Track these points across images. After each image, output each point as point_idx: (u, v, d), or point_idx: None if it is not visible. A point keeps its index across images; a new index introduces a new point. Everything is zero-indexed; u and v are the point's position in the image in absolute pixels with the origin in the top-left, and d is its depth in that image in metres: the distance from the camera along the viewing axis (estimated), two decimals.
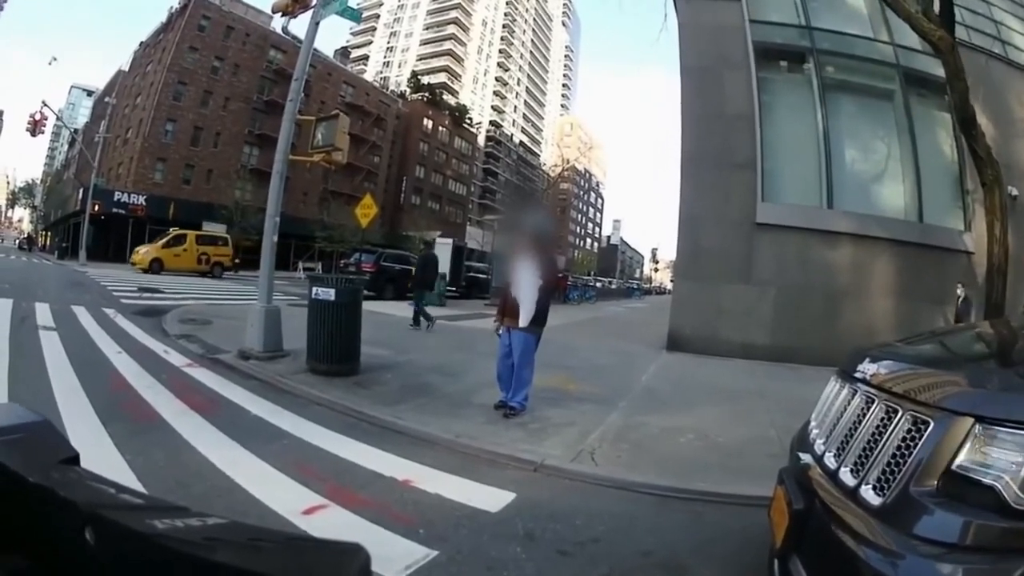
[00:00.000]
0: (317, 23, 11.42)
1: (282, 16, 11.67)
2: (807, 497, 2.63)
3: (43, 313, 13.54)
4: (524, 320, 7.30)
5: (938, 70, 14.15)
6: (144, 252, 36.62)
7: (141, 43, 67.14)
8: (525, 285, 7.31)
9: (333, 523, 4.25)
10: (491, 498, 4.88)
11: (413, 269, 26.66)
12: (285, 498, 4.59)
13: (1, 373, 7.77)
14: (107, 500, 0.78)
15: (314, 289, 9.19)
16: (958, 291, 14.39)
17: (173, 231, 39.10)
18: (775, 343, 15.07)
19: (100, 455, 5.07)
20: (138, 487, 4.36)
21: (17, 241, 78.33)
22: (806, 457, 2.97)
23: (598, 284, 65.43)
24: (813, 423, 3.28)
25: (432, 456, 5.89)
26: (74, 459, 0.90)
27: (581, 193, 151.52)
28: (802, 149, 16.46)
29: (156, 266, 34.88)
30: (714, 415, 8.27)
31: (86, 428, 5.83)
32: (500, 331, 7.74)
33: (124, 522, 0.65)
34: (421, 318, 16.06)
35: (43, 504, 0.66)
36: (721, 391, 10.38)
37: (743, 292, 15.62)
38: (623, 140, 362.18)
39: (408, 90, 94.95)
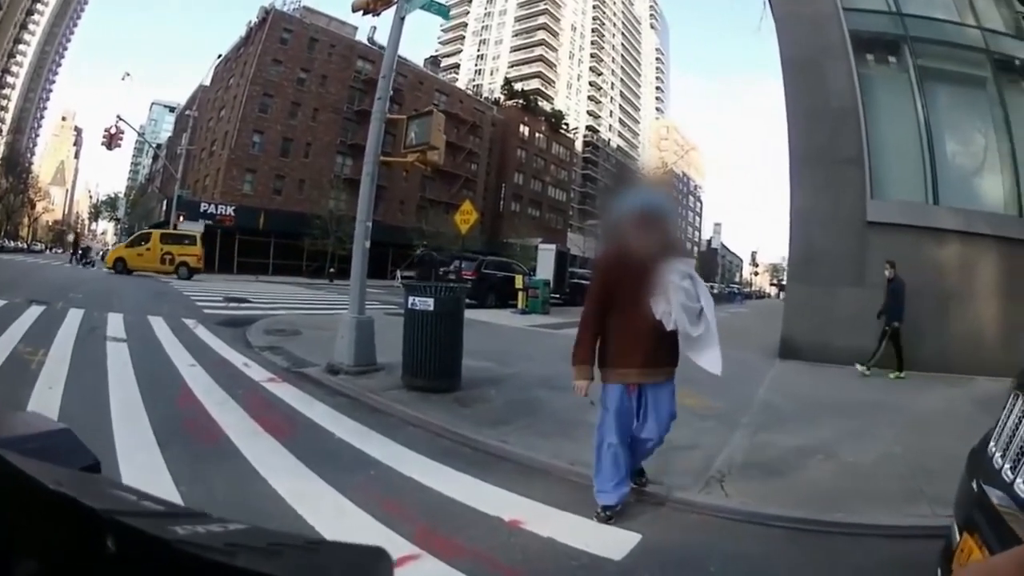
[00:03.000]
0: (402, 18, 11.03)
1: (363, 15, 11.23)
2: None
3: (115, 324, 13.39)
4: (717, 363, 4.74)
5: None
6: (111, 251, 38.08)
7: (219, 55, 68.50)
8: (705, 309, 4.68)
9: None
10: (613, 541, 4.27)
11: (516, 276, 26.55)
12: None
13: (56, 387, 7.50)
14: (128, 507, 0.74)
15: (411, 298, 8.72)
16: (886, 271, 13.31)
17: (154, 230, 40.37)
18: (887, 350, 13.95)
19: (151, 483, 4.56)
20: None
21: (101, 253, 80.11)
22: (998, 495, 2.52)
23: None
24: (997, 451, 2.83)
25: (543, 488, 5.29)
26: (95, 466, 0.91)
27: (680, 197, 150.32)
28: (905, 142, 15.71)
29: (120, 266, 35.03)
30: (837, 431, 7.61)
31: (140, 450, 5.46)
32: (625, 393, 4.82)
33: (145, 529, 0.62)
34: None
35: (63, 512, 0.64)
36: (840, 404, 9.72)
37: (856, 296, 14.76)
38: (719, 141, 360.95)
39: (502, 96, 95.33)
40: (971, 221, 14.67)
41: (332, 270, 46.69)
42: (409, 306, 8.69)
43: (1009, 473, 2.59)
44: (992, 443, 2.95)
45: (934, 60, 16.18)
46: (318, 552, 0.75)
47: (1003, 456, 2.74)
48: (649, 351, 4.68)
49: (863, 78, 15.77)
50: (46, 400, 6.87)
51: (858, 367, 13.25)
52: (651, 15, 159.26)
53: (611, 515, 4.69)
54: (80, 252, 47.49)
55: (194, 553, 0.60)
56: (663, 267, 4.61)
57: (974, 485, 2.80)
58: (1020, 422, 2.72)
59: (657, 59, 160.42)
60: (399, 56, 11.28)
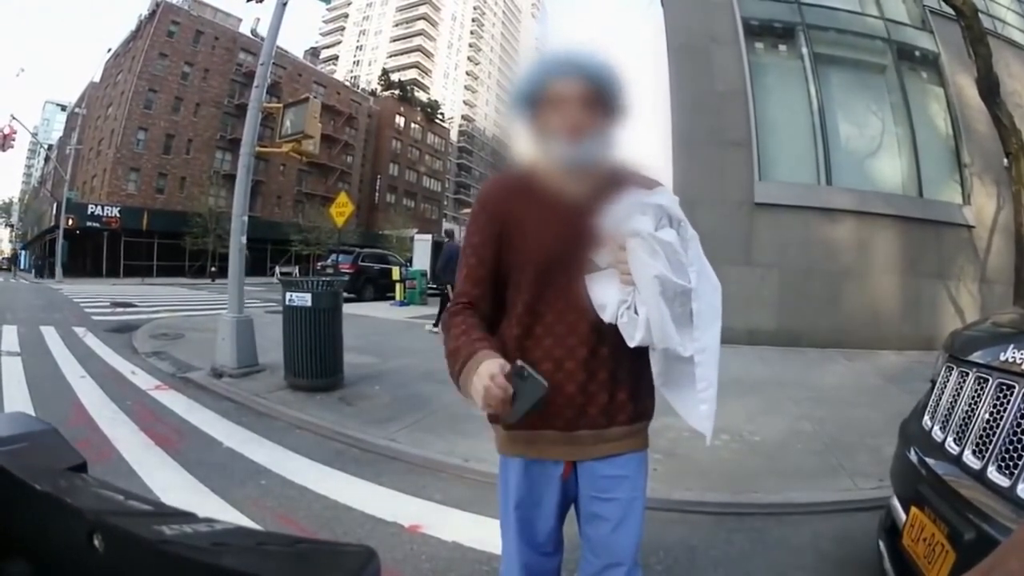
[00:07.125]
0: (284, 4, 10.62)
1: (247, 0, 11.04)
2: (971, 522, 2.18)
3: (9, 337, 13.03)
4: (709, 416, 1.99)
5: (928, 44, 15.12)
6: None
7: (108, 50, 66.08)
8: (700, 291, 1.87)
9: None
10: None
11: (393, 268, 26.45)
12: None
13: None
14: (115, 507, 0.77)
15: (288, 294, 8.38)
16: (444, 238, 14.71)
17: None
18: (780, 327, 14.43)
19: None
20: None
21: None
22: (945, 467, 2.54)
23: None
24: (935, 424, 2.81)
25: (440, 487, 5.07)
26: (81, 466, 0.90)
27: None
28: (797, 126, 15.88)
29: None
30: (740, 410, 7.45)
31: None
32: (529, 477, 2.11)
33: (132, 528, 0.65)
34: None
35: (51, 511, 0.67)
36: (738, 382, 9.44)
37: (744, 275, 14.76)
38: None
39: (379, 87, 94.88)
40: (867, 201, 14.95)
41: (213, 269, 45.97)
42: (287, 303, 8.39)
43: (954, 446, 2.56)
44: (927, 416, 2.93)
45: (833, 48, 16.44)
46: (306, 551, 0.74)
47: (943, 429, 2.71)
48: (581, 389, 1.98)
49: (754, 63, 15.89)
50: None
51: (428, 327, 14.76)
52: (533, 4, 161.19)
53: None
54: None
55: (181, 553, 0.60)
56: (614, 204, 1.88)
57: (914, 459, 2.81)
58: (958, 393, 2.68)
59: (536, 49, 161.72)
60: (279, 47, 10.89)
